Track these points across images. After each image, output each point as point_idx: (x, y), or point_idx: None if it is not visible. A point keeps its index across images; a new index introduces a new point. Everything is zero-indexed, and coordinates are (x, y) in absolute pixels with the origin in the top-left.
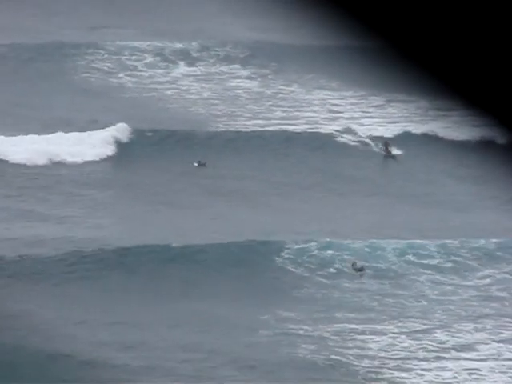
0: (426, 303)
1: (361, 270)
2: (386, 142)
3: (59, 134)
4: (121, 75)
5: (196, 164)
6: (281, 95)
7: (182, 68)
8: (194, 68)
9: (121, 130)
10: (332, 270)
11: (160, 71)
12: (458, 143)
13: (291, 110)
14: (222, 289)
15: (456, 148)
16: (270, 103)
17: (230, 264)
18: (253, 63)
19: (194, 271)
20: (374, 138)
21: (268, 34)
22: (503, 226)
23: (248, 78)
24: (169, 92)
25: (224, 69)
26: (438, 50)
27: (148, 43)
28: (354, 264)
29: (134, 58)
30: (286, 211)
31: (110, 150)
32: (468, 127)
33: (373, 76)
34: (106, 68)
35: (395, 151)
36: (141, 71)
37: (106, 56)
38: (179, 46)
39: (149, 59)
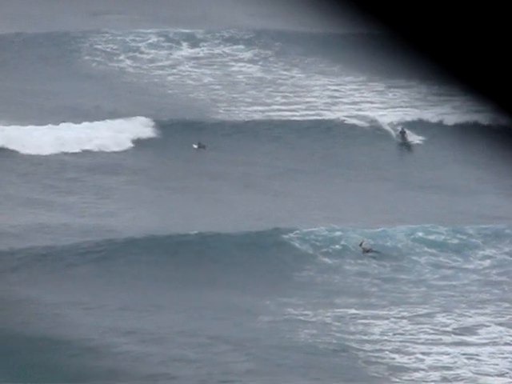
0: (425, 288)
1: (368, 251)
2: (403, 130)
3: (68, 124)
4: (121, 57)
5: (196, 146)
6: (280, 80)
7: (186, 50)
8: (198, 49)
9: (134, 120)
10: (338, 247)
11: (163, 52)
12: (461, 128)
13: (291, 95)
14: (229, 274)
15: (461, 133)
16: (271, 89)
17: (238, 249)
18: (256, 44)
19: (202, 257)
20: (380, 124)
21: (271, 20)
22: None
23: (250, 61)
24: (170, 77)
25: (227, 50)
26: (438, 36)
27: (151, 29)
28: (362, 243)
29: (138, 39)
30: (298, 196)
31: (125, 139)
32: (471, 112)
33: (373, 62)
34: (108, 49)
35: (411, 139)
36: (142, 53)
37: (110, 38)
38: (185, 30)
39: (152, 39)
